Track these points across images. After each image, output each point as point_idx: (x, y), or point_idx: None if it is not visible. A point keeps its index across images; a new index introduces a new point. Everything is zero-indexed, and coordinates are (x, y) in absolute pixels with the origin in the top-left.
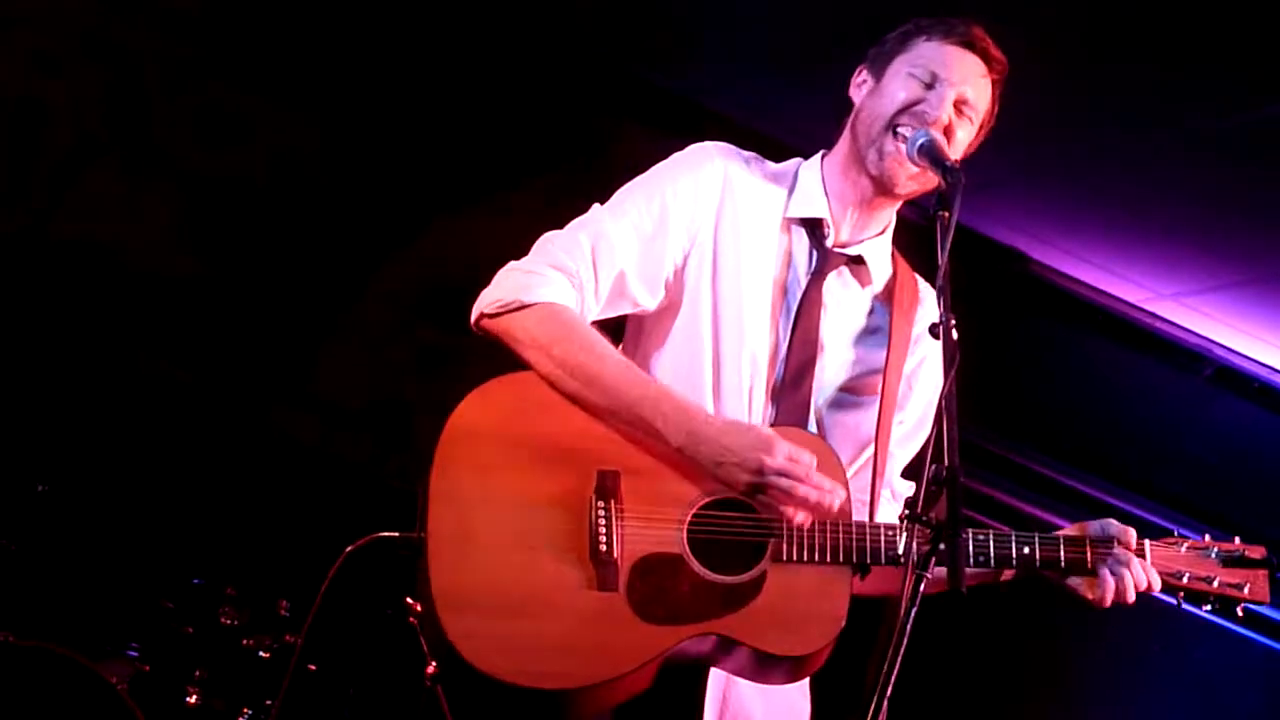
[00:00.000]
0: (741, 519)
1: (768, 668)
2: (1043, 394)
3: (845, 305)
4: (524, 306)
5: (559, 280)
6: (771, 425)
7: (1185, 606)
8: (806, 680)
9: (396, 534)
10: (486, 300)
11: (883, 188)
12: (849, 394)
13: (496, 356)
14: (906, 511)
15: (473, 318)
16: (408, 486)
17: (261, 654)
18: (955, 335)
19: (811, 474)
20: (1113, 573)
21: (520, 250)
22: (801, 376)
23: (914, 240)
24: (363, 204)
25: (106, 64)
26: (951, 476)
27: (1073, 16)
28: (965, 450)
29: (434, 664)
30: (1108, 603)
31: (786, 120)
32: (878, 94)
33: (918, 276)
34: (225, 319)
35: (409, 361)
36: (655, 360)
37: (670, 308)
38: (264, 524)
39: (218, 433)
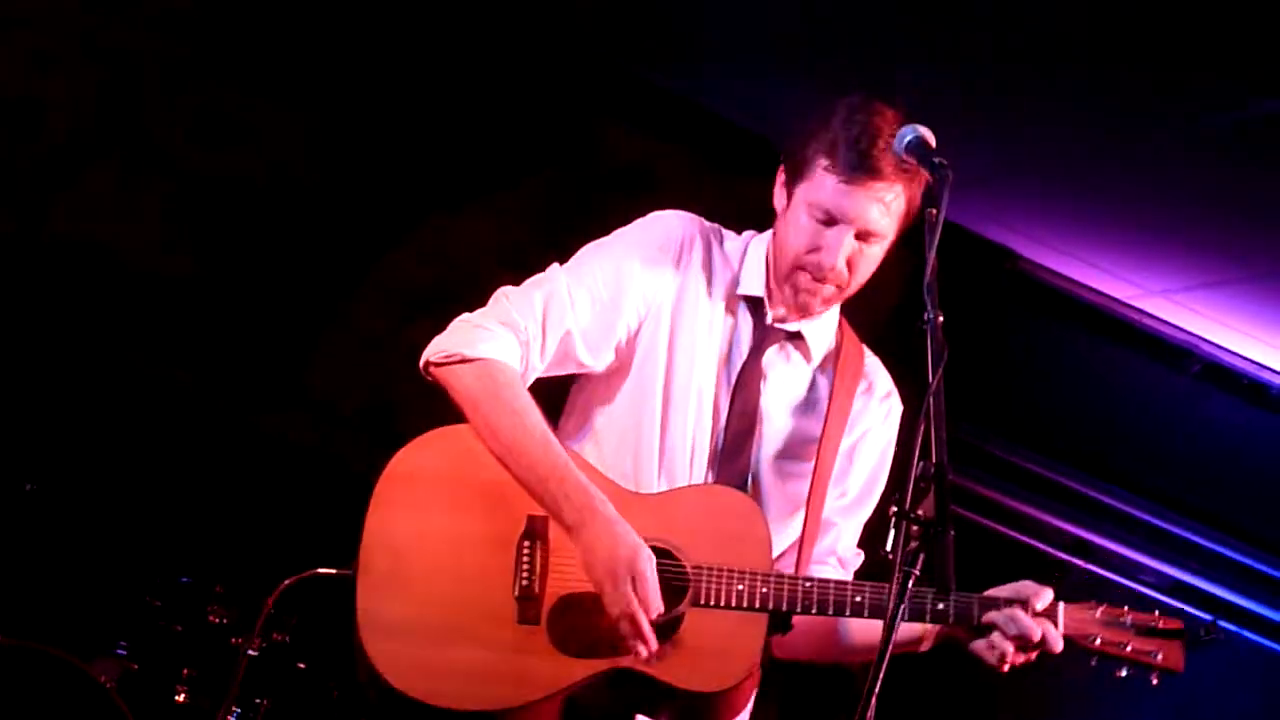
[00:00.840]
0: (665, 565)
1: (677, 704)
2: (1030, 391)
3: (785, 378)
4: (465, 360)
5: (505, 336)
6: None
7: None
8: None
9: (333, 570)
10: (434, 349)
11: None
12: (787, 463)
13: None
14: (895, 509)
15: (421, 363)
16: None
17: (250, 652)
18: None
19: (644, 621)
20: (999, 627)
21: (509, 250)
22: (740, 446)
23: (905, 237)
24: (359, 203)
25: (104, 64)
26: (939, 473)
27: (1069, 15)
28: (952, 447)
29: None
30: (1003, 658)
31: (783, 121)
32: (785, 224)
33: (865, 349)
34: (220, 318)
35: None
36: (601, 415)
37: (620, 370)
38: (253, 522)
39: (208, 431)
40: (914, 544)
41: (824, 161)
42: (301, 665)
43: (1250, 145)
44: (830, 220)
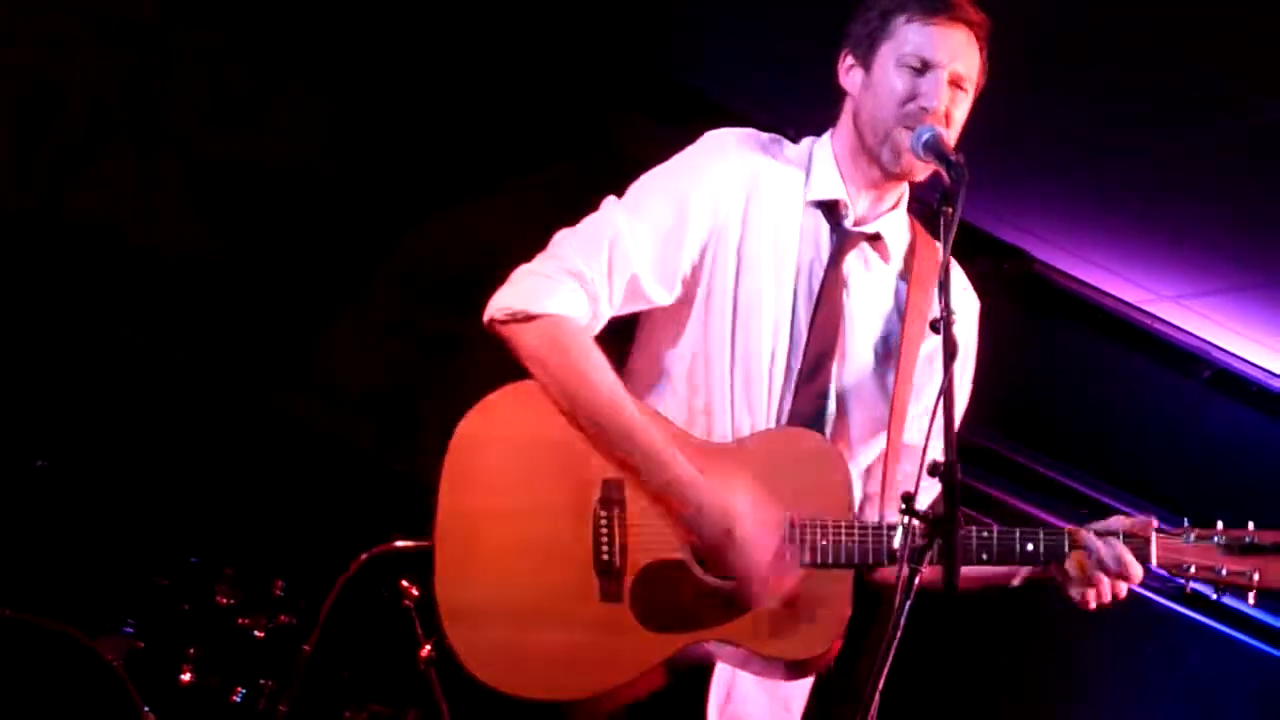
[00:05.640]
0: None
1: (772, 670)
2: (1041, 392)
3: (867, 285)
4: (530, 318)
5: (569, 287)
6: (787, 420)
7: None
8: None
9: (412, 543)
10: (497, 305)
11: (900, 179)
12: (873, 378)
13: (501, 344)
14: (903, 505)
15: (484, 317)
16: (410, 472)
17: (256, 633)
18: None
19: (769, 562)
20: (1089, 548)
21: (526, 240)
22: (821, 363)
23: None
24: (371, 189)
25: (123, 47)
26: (948, 470)
27: (1086, 17)
28: (961, 446)
29: (428, 647)
30: (1087, 592)
31: (791, 114)
32: (873, 90)
33: (939, 244)
34: (231, 300)
35: (414, 346)
36: (671, 351)
37: (686, 300)
38: (263, 505)
39: (220, 413)
40: (921, 541)
41: (903, 16)
42: (306, 648)
43: (1265, 152)
44: (925, 66)
